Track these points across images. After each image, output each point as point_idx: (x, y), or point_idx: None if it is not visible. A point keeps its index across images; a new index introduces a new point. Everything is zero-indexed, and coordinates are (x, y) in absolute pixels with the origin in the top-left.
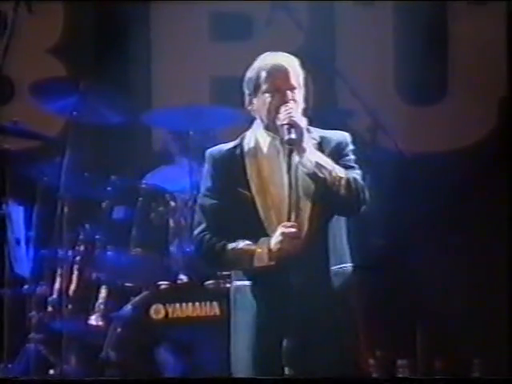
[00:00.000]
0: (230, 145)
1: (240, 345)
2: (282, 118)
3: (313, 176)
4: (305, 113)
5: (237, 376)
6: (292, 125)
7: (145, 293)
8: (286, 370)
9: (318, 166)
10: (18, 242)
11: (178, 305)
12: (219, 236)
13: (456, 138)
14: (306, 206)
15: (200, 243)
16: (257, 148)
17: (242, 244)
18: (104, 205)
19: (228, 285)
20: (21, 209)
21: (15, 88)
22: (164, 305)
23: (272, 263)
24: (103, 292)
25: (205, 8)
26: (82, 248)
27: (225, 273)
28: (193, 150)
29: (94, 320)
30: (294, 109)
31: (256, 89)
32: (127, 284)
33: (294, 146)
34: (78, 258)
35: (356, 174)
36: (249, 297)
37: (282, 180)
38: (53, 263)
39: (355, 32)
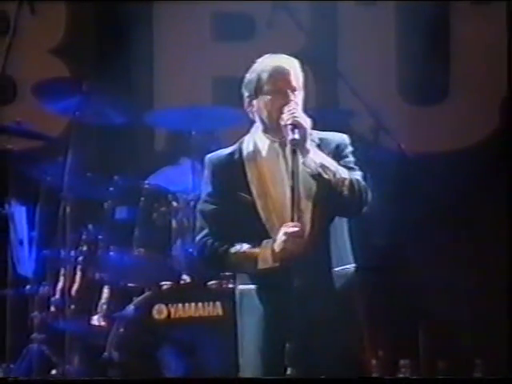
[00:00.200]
0: (229, 150)
1: (248, 347)
2: (286, 118)
3: (317, 177)
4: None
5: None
6: (296, 125)
7: (147, 293)
8: (289, 371)
9: (323, 166)
10: (20, 242)
11: (180, 305)
12: (221, 240)
13: (458, 138)
14: (308, 207)
15: (203, 248)
16: (256, 151)
17: (245, 247)
18: (107, 205)
19: (231, 285)
20: (23, 209)
21: (18, 88)
22: (166, 305)
23: (276, 265)
24: (106, 292)
25: (207, 8)
26: (84, 248)
27: (228, 273)
28: (195, 150)
29: (96, 320)
30: (298, 109)
31: (257, 90)
32: (130, 284)
33: (298, 147)
34: (80, 259)
35: (358, 175)
36: (254, 299)
37: (283, 182)
38: (55, 263)
39: (357, 32)
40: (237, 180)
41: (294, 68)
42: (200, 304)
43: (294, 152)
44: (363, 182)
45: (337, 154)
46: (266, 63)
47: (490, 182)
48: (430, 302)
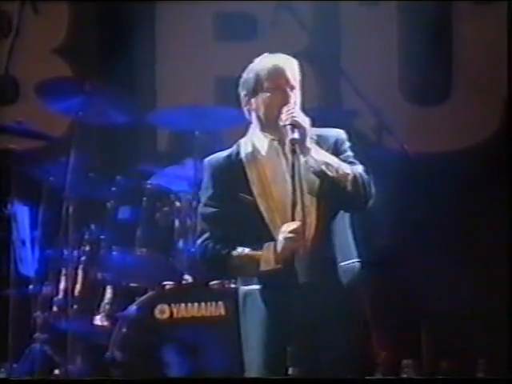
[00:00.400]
0: (227, 152)
1: (253, 349)
2: (285, 118)
3: (321, 174)
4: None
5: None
6: (295, 125)
7: (150, 293)
8: (290, 370)
9: (326, 164)
10: (23, 242)
11: (183, 305)
12: (224, 243)
13: (460, 138)
14: (312, 205)
15: (204, 251)
16: (255, 152)
17: (247, 250)
18: (109, 205)
19: (233, 285)
20: (26, 209)
21: (21, 88)
22: (169, 305)
23: (279, 266)
24: (108, 292)
25: (210, 8)
26: (87, 248)
27: None
28: (198, 150)
29: (99, 320)
30: (296, 109)
31: (255, 88)
32: (132, 284)
33: (298, 146)
34: (83, 258)
35: (360, 169)
36: (259, 301)
37: (285, 181)
38: (58, 263)
39: (360, 32)
40: (237, 182)
41: (292, 67)
42: (202, 304)
43: (293, 152)
44: (366, 176)
45: (336, 149)
46: (263, 62)
47: (492, 182)
48: (433, 302)
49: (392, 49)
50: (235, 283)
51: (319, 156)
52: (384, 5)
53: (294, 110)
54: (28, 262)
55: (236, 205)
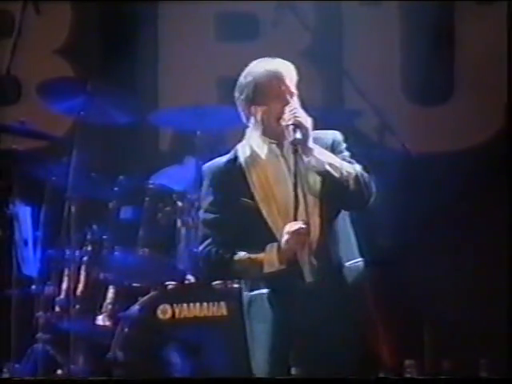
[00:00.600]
0: (225, 158)
1: (261, 351)
2: (287, 118)
3: (324, 174)
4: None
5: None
6: (297, 125)
7: (152, 293)
8: (293, 370)
9: (329, 164)
10: (25, 242)
11: (185, 305)
12: (227, 248)
13: (462, 138)
14: (315, 205)
15: (207, 257)
16: (254, 156)
17: (250, 253)
18: (111, 205)
19: (236, 285)
20: (28, 209)
21: (23, 88)
22: (171, 305)
23: (282, 267)
24: (111, 292)
25: (212, 8)
26: (89, 248)
27: None
28: (200, 150)
29: (101, 320)
30: (298, 109)
31: (255, 96)
32: (134, 284)
33: (300, 146)
34: (85, 258)
35: (359, 167)
36: (265, 304)
37: (286, 182)
38: (60, 263)
39: (362, 32)
40: (238, 186)
41: (290, 73)
42: (205, 304)
43: (295, 152)
44: (366, 174)
45: (333, 150)
46: (261, 68)
47: (494, 182)
48: (435, 302)
49: (394, 49)
50: (238, 283)
51: (322, 156)
52: (386, 5)
53: (296, 110)
54: (30, 262)
55: (237, 209)
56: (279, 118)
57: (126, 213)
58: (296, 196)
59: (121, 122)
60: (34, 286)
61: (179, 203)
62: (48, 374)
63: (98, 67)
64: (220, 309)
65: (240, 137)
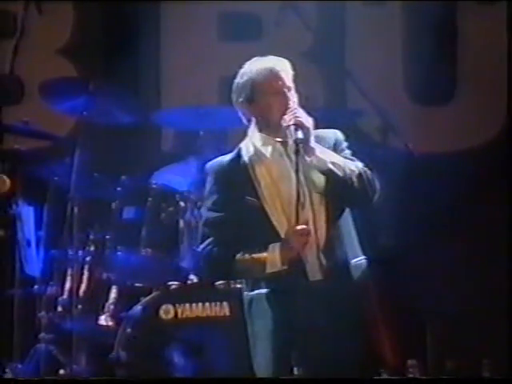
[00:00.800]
0: (229, 156)
1: (263, 352)
2: (288, 118)
3: (328, 173)
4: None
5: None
6: (298, 125)
7: (155, 293)
8: (295, 371)
9: (333, 162)
10: (28, 242)
11: (187, 305)
12: (229, 247)
13: (465, 138)
14: (321, 203)
15: (208, 256)
16: (258, 154)
17: (252, 253)
18: (114, 205)
19: (238, 285)
20: (31, 209)
21: (25, 88)
22: (174, 305)
23: (285, 267)
24: (113, 292)
25: (214, 8)
26: (92, 248)
27: None
28: (202, 150)
29: (103, 320)
30: (299, 109)
31: (253, 94)
32: (137, 284)
33: (302, 146)
34: (88, 259)
35: (362, 165)
36: (268, 304)
37: (291, 181)
38: (63, 263)
39: (364, 32)
40: (242, 184)
41: (285, 68)
42: (207, 304)
43: (297, 152)
44: (369, 171)
45: (335, 149)
46: (256, 66)
47: (496, 183)
48: (438, 302)
49: (396, 49)
50: (240, 283)
51: (325, 155)
52: (388, 5)
53: (296, 111)
54: (33, 262)
55: (242, 208)
56: (281, 114)
57: (128, 213)
58: (298, 196)
59: (123, 121)
60: (36, 286)
61: (182, 203)
62: (50, 374)
63: (101, 67)
64: (222, 309)
65: (243, 136)
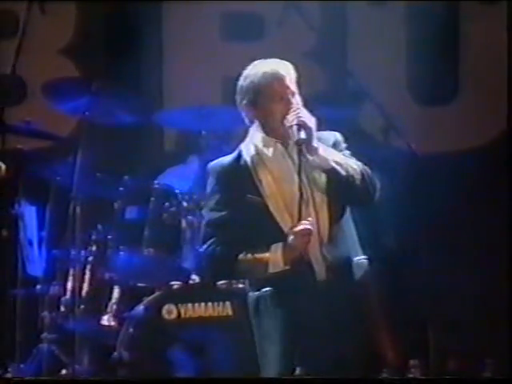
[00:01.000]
0: (230, 157)
1: (266, 350)
2: (291, 119)
3: (331, 172)
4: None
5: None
6: (301, 125)
7: (157, 293)
8: (298, 370)
9: (335, 162)
10: (30, 242)
11: (190, 305)
12: (232, 247)
13: (467, 138)
14: (323, 202)
15: (211, 256)
16: (260, 154)
17: (255, 252)
18: (116, 205)
19: (241, 285)
20: (33, 209)
21: (28, 88)
22: (176, 305)
23: (287, 267)
24: (116, 292)
25: (217, 8)
26: (94, 248)
27: None
28: (205, 150)
29: (106, 320)
30: (302, 109)
31: (256, 98)
32: (140, 284)
33: (305, 146)
34: (90, 259)
35: (361, 164)
36: (271, 302)
37: (293, 180)
38: (65, 263)
39: (367, 32)
40: (244, 184)
41: (289, 72)
42: (210, 304)
43: (300, 152)
44: (369, 170)
45: (336, 149)
46: (260, 69)
47: (500, 182)
48: (440, 302)
49: (399, 49)
50: (243, 283)
51: (327, 154)
52: (391, 5)
53: (299, 111)
54: (35, 261)
55: (244, 207)
56: (283, 118)
57: (131, 213)
58: (301, 195)
59: (126, 122)
60: (39, 286)
61: (184, 203)
62: (53, 373)
63: (103, 67)
64: (225, 309)
65: (245, 137)
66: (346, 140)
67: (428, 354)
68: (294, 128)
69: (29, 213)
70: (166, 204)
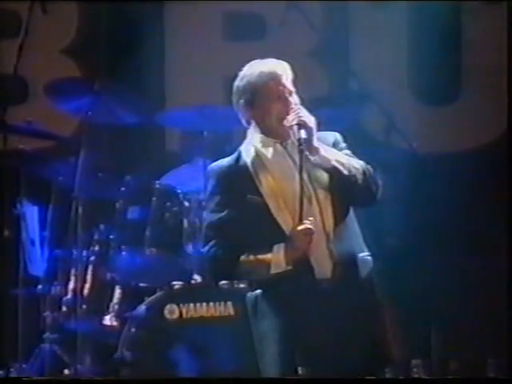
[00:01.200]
0: (229, 159)
1: (267, 350)
2: (291, 119)
3: (332, 171)
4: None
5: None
6: (301, 125)
7: (159, 293)
8: (300, 370)
9: (337, 161)
10: (32, 242)
11: (192, 305)
12: (233, 248)
13: (469, 137)
14: (327, 199)
15: (212, 259)
16: (259, 155)
17: (257, 253)
18: (118, 205)
19: (242, 285)
20: (35, 209)
21: (30, 88)
22: (178, 305)
23: (290, 268)
24: (117, 292)
25: (218, 8)
26: (96, 248)
27: None
28: (207, 150)
29: (108, 320)
30: (301, 109)
31: (254, 99)
32: (141, 284)
33: (305, 146)
34: (92, 258)
35: (363, 163)
36: (272, 302)
37: (294, 178)
38: (67, 263)
39: (369, 32)
40: (243, 185)
41: (286, 71)
42: (211, 304)
43: (301, 151)
44: (371, 169)
45: (335, 149)
46: (257, 69)
47: (501, 182)
48: (442, 302)
49: (402, 48)
50: (244, 283)
51: (329, 153)
52: (393, 5)
53: (299, 111)
54: (37, 261)
55: (245, 208)
56: (281, 118)
57: (133, 213)
58: (302, 193)
59: (128, 121)
60: (40, 286)
61: (186, 203)
62: (55, 373)
63: (105, 67)
64: (227, 309)
65: (245, 137)
66: (346, 140)
67: (431, 353)
68: (295, 128)
69: (31, 213)
70: (168, 204)
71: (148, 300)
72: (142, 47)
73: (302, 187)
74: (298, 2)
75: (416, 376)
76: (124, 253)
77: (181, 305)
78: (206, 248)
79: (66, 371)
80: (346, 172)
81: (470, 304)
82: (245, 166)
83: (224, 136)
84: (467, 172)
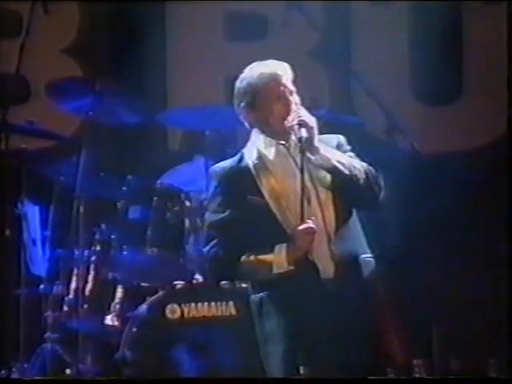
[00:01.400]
0: (232, 160)
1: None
2: (291, 118)
3: (333, 171)
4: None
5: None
6: (302, 124)
7: (160, 292)
8: (301, 370)
9: (338, 161)
10: (33, 241)
11: (193, 305)
12: (235, 248)
13: (471, 137)
14: (328, 199)
15: (213, 259)
16: (262, 157)
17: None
18: (120, 205)
19: (244, 285)
20: (37, 209)
21: (31, 88)
22: (180, 305)
23: (291, 268)
24: (119, 292)
25: (220, 8)
26: (97, 248)
27: None
28: (208, 149)
29: (109, 320)
30: (302, 109)
31: (255, 100)
32: (143, 284)
33: (306, 146)
34: (93, 258)
35: (365, 164)
36: (275, 303)
37: (296, 179)
38: (69, 263)
39: (370, 32)
40: (245, 186)
41: (286, 72)
42: (213, 303)
43: (302, 151)
44: (374, 170)
45: (340, 151)
46: (257, 71)
47: (503, 182)
48: (444, 302)
49: (403, 48)
50: (246, 283)
51: (329, 153)
52: (394, 5)
53: (299, 110)
54: (39, 261)
55: (247, 208)
56: (283, 118)
57: (134, 212)
58: (303, 193)
59: (129, 121)
60: (42, 286)
61: (188, 203)
62: (56, 373)
63: (107, 67)
64: (228, 308)
65: (248, 137)
66: (349, 142)
67: (432, 353)
68: (296, 127)
69: (32, 212)
70: (170, 203)
71: (149, 300)
72: (143, 47)
73: (302, 187)
74: (299, 2)
75: (417, 376)
76: (125, 252)
77: (182, 304)
78: (208, 248)
79: (68, 371)
80: (346, 172)
81: (471, 304)
82: (247, 168)
83: (226, 136)
84: (468, 171)
